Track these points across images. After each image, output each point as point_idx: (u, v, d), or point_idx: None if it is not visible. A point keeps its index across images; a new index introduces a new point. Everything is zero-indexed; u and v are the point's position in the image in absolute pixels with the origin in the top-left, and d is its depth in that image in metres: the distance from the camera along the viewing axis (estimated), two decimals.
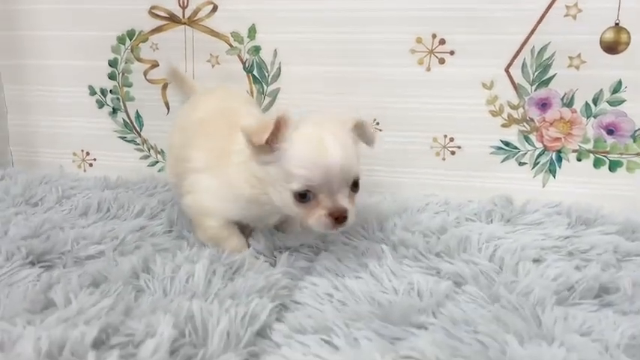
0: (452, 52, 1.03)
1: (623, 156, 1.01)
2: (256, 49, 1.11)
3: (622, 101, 0.99)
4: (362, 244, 0.83)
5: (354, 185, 0.71)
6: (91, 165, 1.25)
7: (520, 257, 0.76)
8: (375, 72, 1.07)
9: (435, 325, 0.59)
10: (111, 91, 1.20)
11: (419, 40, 1.04)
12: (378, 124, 1.09)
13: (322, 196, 0.69)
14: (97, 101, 1.21)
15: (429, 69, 1.05)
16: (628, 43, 0.96)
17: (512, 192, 1.02)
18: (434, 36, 1.03)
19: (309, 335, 0.59)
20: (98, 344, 0.53)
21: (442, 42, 1.03)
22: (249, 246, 0.80)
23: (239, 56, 1.12)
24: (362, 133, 0.76)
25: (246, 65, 1.12)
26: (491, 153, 1.07)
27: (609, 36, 0.97)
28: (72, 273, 0.72)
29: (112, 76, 1.19)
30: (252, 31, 1.10)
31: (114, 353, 0.50)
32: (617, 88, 0.98)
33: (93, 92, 1.21)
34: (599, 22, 0.97)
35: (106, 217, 0.96)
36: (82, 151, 1.24)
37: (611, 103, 1.00)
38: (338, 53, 1.07)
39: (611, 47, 0.97)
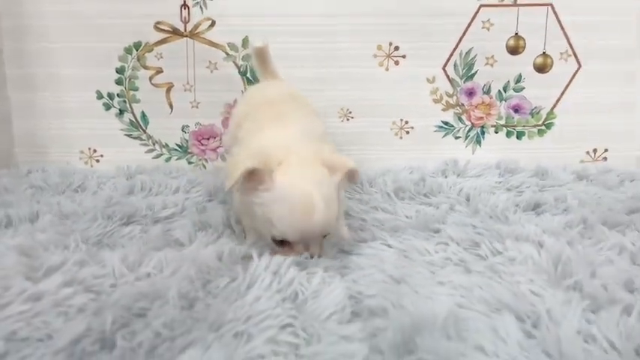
0: (404, 56, 1.37)
1: (526, 128, 1.42)
2: (249, 57, 1.36)
3: (522, 88, 1.40)
4: (364, 197, 1.13)
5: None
6: (97, 161, 1.41)
7: (479, 191, 1.10)
8: (346, 72, 1.37)
9: (446, 227, 0.90)
10: (118, 94, 1.37)
11: (379, 47, 1.37)
12: (350, 112, 1.40)
13: (296, 245, 0.75)
14: (104, 104, 1.38)
15: (387, 69, 1.38)
16: (524, 47, 1.37)
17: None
18: (390, 44, 1.37)
19: (369, 242, 0.87)
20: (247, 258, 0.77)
21: (396, 48, 1.37)
22: None
23: (235, 62, 1.37)
24: (351, 177, 0.78)
25: (241, 70, 1.37)
26: (435, 131, 1.42)
27: (512, 42, 1.37)
28: (165, 227, 0.93)
29: (119, 82, 1.37)
30: (245, 42, 1.35)
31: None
32: (518, 79, 1.39)
33: (100, 96, 1.37)
34: (505, 32, 1.36)
35: (150, 194, 1.14)
36: (89, 148, 1.40)
37: (516, 90, 1.40)
38: (317, 58, 1.36)
39: (514, 50, 1.37)
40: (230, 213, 0.97)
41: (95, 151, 1.41)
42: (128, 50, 1.35)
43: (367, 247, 0.84)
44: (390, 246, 0.85)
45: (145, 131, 1.40)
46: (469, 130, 1.42)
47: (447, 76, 1.39)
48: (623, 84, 1.39)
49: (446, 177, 1.27)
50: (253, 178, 0.73)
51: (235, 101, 1.37)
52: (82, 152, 1.40)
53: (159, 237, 0.87)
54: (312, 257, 0.75)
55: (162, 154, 1.42)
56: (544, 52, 1.37)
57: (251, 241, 0.83)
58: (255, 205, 0.75)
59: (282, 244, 0.75)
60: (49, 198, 1.09)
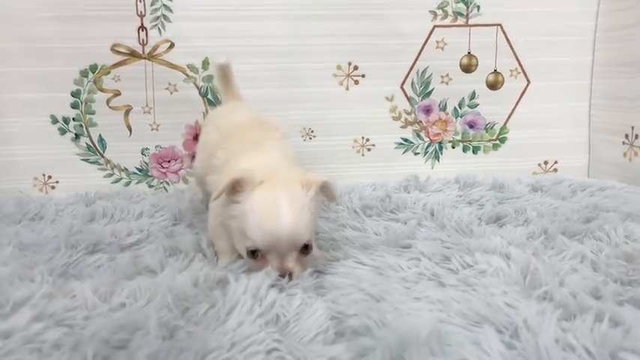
0: (363, 75, 1.40)
1: (481, 142, 1.47)
2: (209, 78, 1.36)
3: (477, 105, 1.45)
4: (331, 214, 1.14)
5: (305, 247, 0.77)
6: (53, 187, 1.36)
7: (443, 206, 1.13)
8: (307, 92, 1.39)
9: (417, 243, 0.92)
10: (73, 118, 1.34)
11: (339, 67, 1.39)
12: (312, 131, 1.41)
13: (270, 257, 0.76)
14: (60, 129, 1.34)
15: (347, 88, 1.41)
16: (477, 65, 1.43)
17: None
18: (349, 64, 1.39)
19: (342, 261, 0.87)
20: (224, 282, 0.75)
21: (356, 68, 1.40)
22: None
23: (195, 84, 1.36)
24: (326, 192, 0.82)
25: (202, 91, 1.36)
26: (395, 148, 1.46)
27: (465, 61, 1.42)
28: (133, 254, 0.91)
29: (74, 106, 1.33)
30: (205, 63, 1.35)
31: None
32: (472, 96, 1.44)
33: (55, 121, 1.33)
34: (458, 52, 1.42)
35: (113, 220, 1.11)
36: (44, 175, 1.35)
37: (470, 107, 1.45)
38: (277, 79, 1.37)
39: (467, 69, 1.43)
40: (199, 237, 0.96)
41: (50, 177, 1.36)
42: (84, 73, 1.32)
43: (340, 266, 0.84)
44: (363, 263, 0.85)
45: (102, 155, 1.37)
46: (428, 146, 1.46)
47: (405, 95, 1.43)
48: (570, 98, 1.46)
49: (409, 192, 1.29)
50: (236, 192, 0.77)
51: (197, 123, 1.36)
52: (36, 179, 1.35)
53: (129, 265, 0.84)
54: (285, 275, 0.74)
55: (121, 179, 1.38)
56: (495, 70, 1.43)
57: (223, 264, 0.83)
58: (232, 218, 0.78)
59: (256, 256, 0.77)
60: (5, 228, 1.04)
